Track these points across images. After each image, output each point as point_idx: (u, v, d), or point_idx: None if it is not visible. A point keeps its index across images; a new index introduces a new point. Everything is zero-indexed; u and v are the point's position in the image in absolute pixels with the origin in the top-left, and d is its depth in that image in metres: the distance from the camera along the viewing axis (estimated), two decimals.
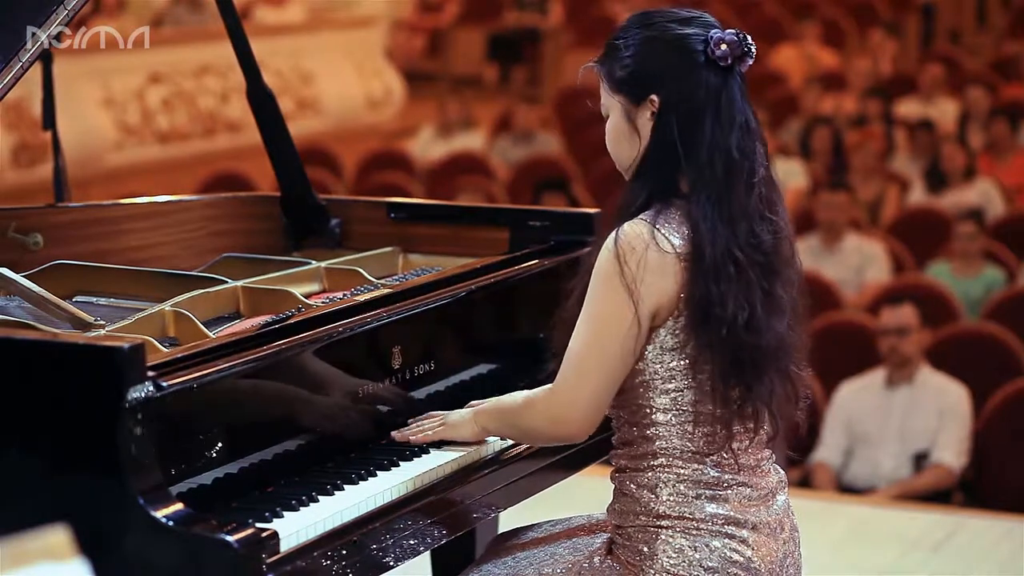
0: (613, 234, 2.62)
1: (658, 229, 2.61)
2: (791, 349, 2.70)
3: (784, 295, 2.68)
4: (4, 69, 3.06)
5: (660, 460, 2.67)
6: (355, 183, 10.35)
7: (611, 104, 2.74)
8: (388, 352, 3.02)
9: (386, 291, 3.14)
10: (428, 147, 11.41)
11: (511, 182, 10.11)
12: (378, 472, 2.81)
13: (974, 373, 6.35)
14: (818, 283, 7.24)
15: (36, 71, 3.40)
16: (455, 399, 3.05)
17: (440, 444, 2.94)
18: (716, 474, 2.67)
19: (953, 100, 11.18)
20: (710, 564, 2.64)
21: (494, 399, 2.92)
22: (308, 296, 3.20)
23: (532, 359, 3.23)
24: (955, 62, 12.51)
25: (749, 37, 2.69)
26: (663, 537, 2.66)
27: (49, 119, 3.83)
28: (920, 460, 6.16)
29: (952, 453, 6.10)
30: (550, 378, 2.76)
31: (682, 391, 2.65)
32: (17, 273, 3.08)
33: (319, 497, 2.68)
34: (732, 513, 2.67)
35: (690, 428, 2.66)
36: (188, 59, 11.46)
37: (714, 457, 2.67)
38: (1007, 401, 6.16)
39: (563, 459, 3.10)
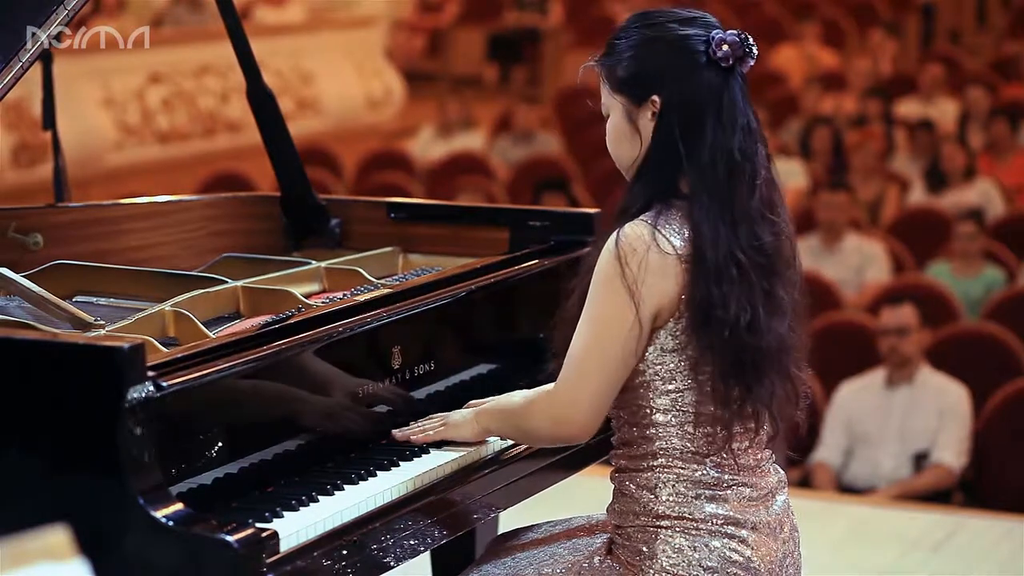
0: (614, 235, 2.62)
1: (659, 230, 2.61)
2: (792, 350, 2.70)
3: (785, 296, 2.68)
4: (4, 69, 3.06)
5: (660, 460, 2.67)
6: (355, 183, 10.35)
7: (612, 104, 2.73)
8: (388, 352, 3.01)
9: (386, 291, 3.14)
10: (428, 147, 11.41)
11: (511, 182, 10.11)
12: (378, 472, 2.81)
13: (974, 373, 6.35)
14: (818, 283, 7.24)
15: (36, 71, 3.40)
16: (455, 399, 3.05)
17: (440, 444, 2.94)
18: (716, 474, 2.67)
19: (953, 100, 11.18)
20: (710, 564, 2.64)
21: (496, 399, 2.92)
22: (308, 296, 3.19)
23: (532, 359, 3.23)
24: (955, 62, 12.51)
25: (751, 38, 2.68)
26: (663, 537, 2.66)
27: (49, 119, 3.83)
28: (920, 460, 6.16)
29: (952, 453, 6.10)
30: (550, 378, 2.76)
31: (682, 392, 2.65)
32: (17, 273, 3.08)
33: (319, 497, 2.68)
34: (732, 513, 2.67)
35: (690, 429, 2.66)
36: (188, 59, 11.46)
37: (714, 457, 2.67)
38: (1007, 401, 6.16)
39: (563, 459, 3.10)
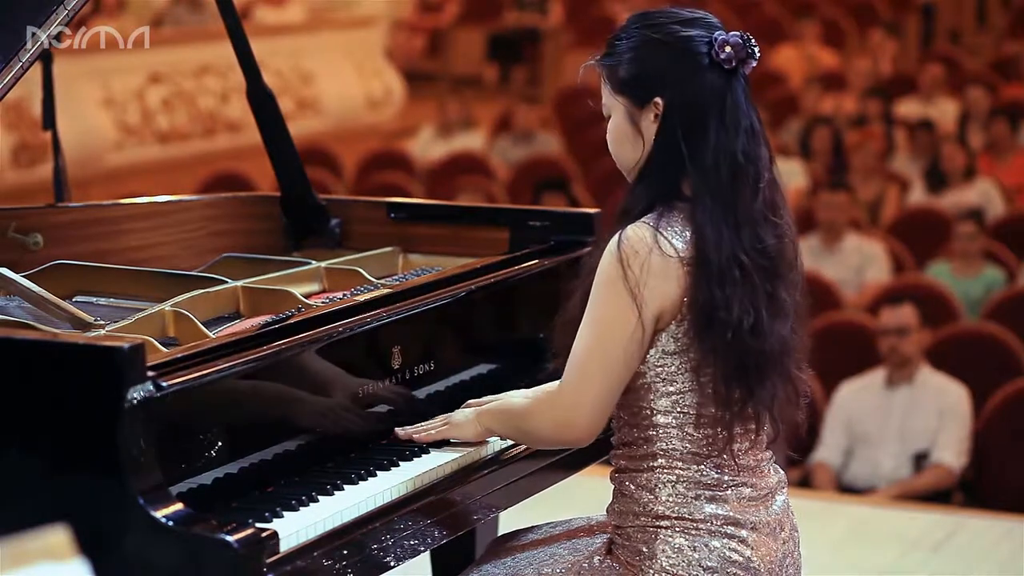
0: (616, 237, 2.61)
1: (661, 232, 2.60)
2: (793, 351, 2.70)
3: (787, 298, 2.67)
4: (4, 69, 3.06)
5: (660, 461, 2.67)
6: (355, 183, 10.35)
7: (613, 104, 2.73)
8: (388, 352, 3.01)
9: (386, 291, 3.14)
10: (428, 147, 11.41)
11: (511, 182, 10.11)
12: (378, 472, 2.81)
13: (974, 373, 6.35)
14: (818, 283, 7.24)
15: (36, 71, 3.40)
16: (455, 399, 3.05)
17: (441, 444, 2.94)
18: (716, 475, 2.67)
19: (953, 100, 11.18)
20: (709, 564, 2.64)
21: (499, 399, 2.92)
22: (308, 296, 3.19)
23: (532, 359, 3.23)
24: (955, 62, 12.51)
25: (753, 39, 2.67)
26: (662, 537, 2.66)
27: (49, 119, 3.83)
28: (920, 460, 6.16)
29: (952, 453, 6.10)
30: (550, 378, 2.76)
31: (683, 394, 2.65)
32: (17, 273, 3.08)
33: (319, 497, 2.68)
34: (731, 513, 2.66)
35: (691, 430, 2.66)
36: (188, 59, 11.46)
37: (714, 458, 2.67)
38: (1007, 401, 6.16)
39: (563, 459, 3.10)
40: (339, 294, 3.22)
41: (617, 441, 2.74)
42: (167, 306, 2.99)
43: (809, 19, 13.56)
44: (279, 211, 3.73)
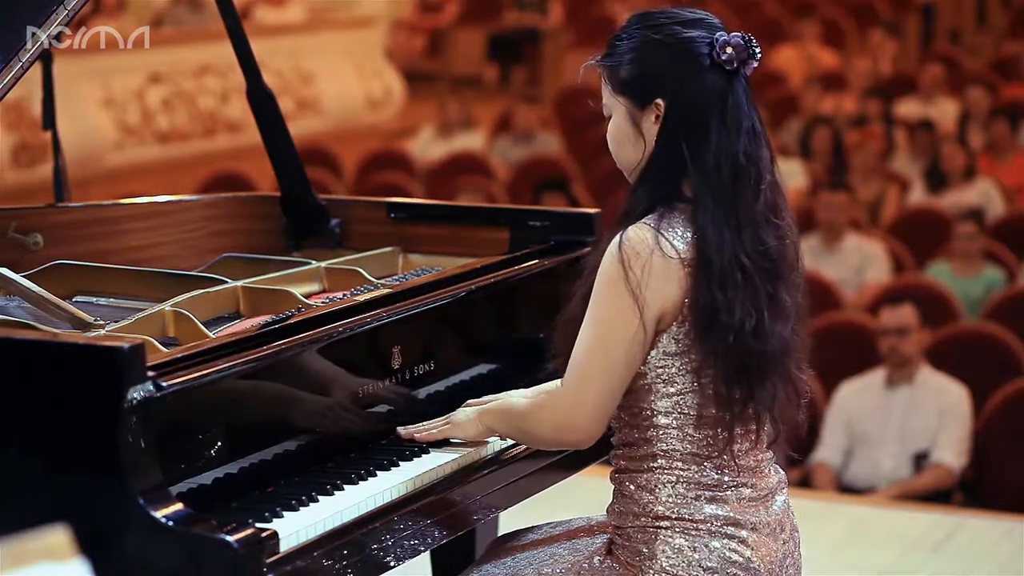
0: (617, 238, 2.61)
1: (662, 234, 2.60)
2: (794, 352, 2.70)
3: (788, 299, 2.67)
4: (4, 69, 3.06)
5: (660, 462, 2.67)
6: (355, 183, 10.35)
7: (614, 105, 2.72)
8: (388, 352, 3.01)
9: (386, 291, 3.14)
10: (428, 147, 11.41)
11: (511, 182, 10.11)
12: (378, 472, 2.81)
13: (974, 373, 6.35)
14: (818, 283, 7.24)
15: (36, 71, 3.40)
16: (455, 399, 3.05)
17: (441, 444, 2.93)
18: (716, 475, 2.67)
19: (953, 100, 11.18)
20: (709, 564, 2.64)
21: (500, 399, 2.92)
22: (308, 296, 3.19)
23: (532, 359, 3.23)
24: (955, 62, 12.51)
25: (754, 39, 2.67)
26: (662, 537, 2.66)
27: (49, 119, 3.83)
28: (920, 460, 6.16)
29: (952, 453, 6.10)
30: (550, 378, 2.75)
31: (684, 395, 2.65)
32: (17, 273, 3.08)
33: (319, 497, 2.68)
34: (731, 514, 2.66)
35: (691, 431, 2.66)
36: (188, 59, 11.46)
37: (714, 459, 2.67)
38: (1007, 401, 6.16)
39: (563, 459, 3.10)
40: (339, 294, 3.22)
41: (617, 441, 2.74)
42: (167, 306, 2.99)
43: (809, 19, 13.56)
44: (279, 211, 3.73)
